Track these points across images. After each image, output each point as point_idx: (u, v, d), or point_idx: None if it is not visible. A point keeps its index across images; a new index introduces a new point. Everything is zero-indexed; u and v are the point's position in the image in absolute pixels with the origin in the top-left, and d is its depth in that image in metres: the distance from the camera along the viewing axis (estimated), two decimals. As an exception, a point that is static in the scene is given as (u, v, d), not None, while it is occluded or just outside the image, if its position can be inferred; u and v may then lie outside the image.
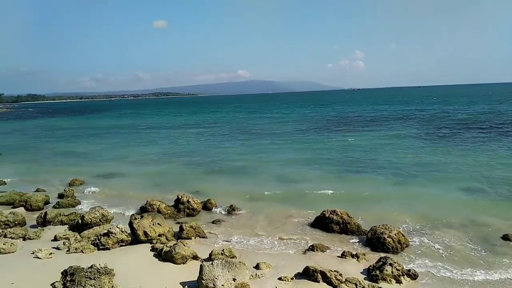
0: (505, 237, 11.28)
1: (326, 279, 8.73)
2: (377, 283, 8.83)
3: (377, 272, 9.10)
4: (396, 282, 8.87)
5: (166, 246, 10.23)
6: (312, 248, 10.84)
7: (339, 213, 12.49)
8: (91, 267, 7.84)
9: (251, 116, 74.18)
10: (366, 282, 8.73)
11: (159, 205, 14.50)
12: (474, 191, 16.08)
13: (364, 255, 10.40)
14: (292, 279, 8.93)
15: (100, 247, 10.64)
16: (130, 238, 11.16)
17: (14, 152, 34.08)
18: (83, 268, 7.82)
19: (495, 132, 33.15)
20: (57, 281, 7.76)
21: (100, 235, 10.97)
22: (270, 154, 27.52)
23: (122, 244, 10.93)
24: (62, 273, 7.76)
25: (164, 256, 9.95)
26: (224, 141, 36.59)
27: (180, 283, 8.47)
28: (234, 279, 8.02)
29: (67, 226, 12.91)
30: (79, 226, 12.42)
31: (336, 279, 8.67)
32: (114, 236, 10.82)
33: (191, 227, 12.11)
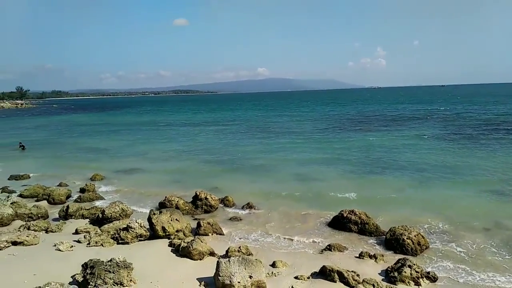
0: (531, 242, 10.91)
1: (343, 279, 8.64)
2: (395, 285, 8.68)
3: (396, 273, 8.94)
4: (415, 285, 8.70)
5: (184, 242, 10.33)
6: (329, 248, 10.74)
7: (357, 213, 12.33)
8: (110, 260, 7.99)
9: (270, 114, 74.06)
10: (384, 283, 8.59)
11: (177, 201, 14.64)
12: (499, 194, 15.57)
13: (382, 256, 10.24)
14: (308, 278, 8.88)
15: (120, 241, 10.84)
16: (148, 233, 11.32)
17: (38, 146, 35.10)
18: (102, 261, 7.97)
19: (522, 133, 32.08)
20: (77, 274, 7.94)
21: (120, 229, 11.17)
22: (288, 152, 27.41)
23: (140, 239, 11.10)
24: (82, 265, 7.93)
25: (182, 251, 10.05)
26: (243, 139, 36.65)
27: (197, 279, 8.53)
28: (250, 277, 8.02)
29: (88, 220, 13.21)
30: (99, 220, 12.69)
31: (353, 280, 8.57)
32: (133, 231, 10.99)
33: (208, 223, 12.19)
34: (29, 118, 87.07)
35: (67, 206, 13.73)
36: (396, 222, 11.97)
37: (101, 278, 7.49)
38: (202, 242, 10.22)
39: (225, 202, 15.30)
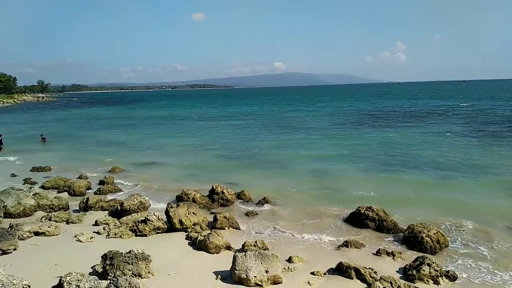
0: (556, 242, 10.58)
1: (360, 276, 8.56)
2: (414, 283, 8.54)
3: (414, 271, 8.80)
4: (434, 283, 8.55)
5: (201, 235, 10.42)
6: (346, 244, 10.65)
7: (375, 209, 12.18)
8: (129, 252, 8.12)
9: (286, 109, 73.77)
10: (402, 281, 8.46)
11: (194, 195, 14.76)
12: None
13: (400, 253, 10.09)
14: (325, 274, 8.83)
15: (138, 233, 11.00)
16: (166, 226, 11.45)
17: (58, 139, 35.91)
18: (121, 253, 8.11)
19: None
20: (97, 264, 8.10)
21: (138, 221, 11.33)
22: (305, 148, 27.27)
23: (158, 231, 11.24)
24: (102, 257, 8.09)
25: (198, 245, 10.14)
26: (259, 134, 36.63)
27: (214, 272, 8.59)
28: (266, 271, 8.04)
29: (107, 212, 13.45)
30: (118, 212, 12.91)
31: (371, 277, 8.48)
32: (151, 224, 11.14)
33: (224, 217, 12.24)
34: (50, 111, 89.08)
35: (87, 198, 14.00)
36: (415, 220, 11.77)
37: (120, 269, 7.63)
38: (218, 236, 10.28)
39: (241, 196, 15.33)
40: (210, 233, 10.33)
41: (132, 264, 7.86)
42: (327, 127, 40.11)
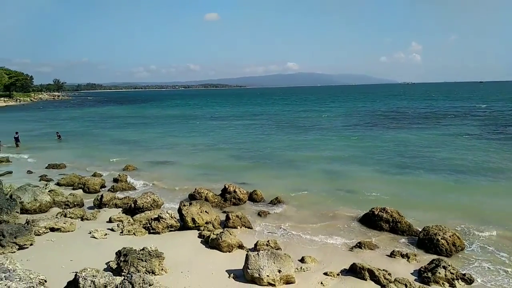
0: None
1: (374, 277, 8.46)
2: (429, 285, 8.41)
3: (429, 274, 8.66)
4: (450, 286, 8.39)
5: (213, 233, 10.43)
6: (359, 245, 10.54)
7: (389, 211, 12.03)
8: (143, 249, 8.18)
9: (298, 109, 73.55)
10: (417, 284, 8.34)
11: (206, 194, 14.80)
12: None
13: (415, 255, 9.94)
14: (338, 275, 8.75)
15: (151, 231, 11.08)
16: (178, 224, 11.51)
17: (73, 137, 36.48)
18: (135, 250, 8.17)
19: None
20: (111, 261, 8.18)
21: (151, 219, 11.42)
22: (318, 148, 27.13)
23: (171, 229, 11.31)
24: (116, 253, 8.17)
25: (211, 243, 10.15)
26: (272, 134, 36.59)
27: (226, 271, 8.60)
28: (279, 271, 8.00)
29: (121, 209, 13.58)
30: (131, 209, 13.02)
31: (385, 278, 8.37)
32: (164, 221, 11.21)
33: (237, 216, 12.24)
34: (65, 109, 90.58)
35: (101, 196, 14.16)
36: (430, 222, 11.54)
37: (134, 266, 7.69)
38: (231, 234, 10.27)
39: (253, 196, 15.30)
40: (222, 232, 10.33)
41: (145, 261, 7.92)
42: (341, 127, 39.82)
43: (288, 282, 8.10)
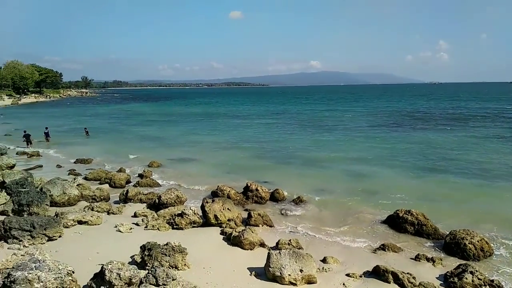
0: None
1: (397, 280, 8.30)
2: (455, 291, 8.19)
3: (456, 279, 8.43)
4: (477, 293, 8.16)
5: (235, 231, 10.49)
6: (383, 248, 10.37)
7: (414, 213, 11.78)
8: (166, 244, 8.31)
9: (321, 108, 72.94)
10: (443, 289, 8.15)
11: (229, 191, 14.90)
12: None
13: (441, 260, 9.71)
14: (360, 276, 8.64)
15: (174, 226, 11.25)
16: (201, 221, 11.63)
17: (100, 133, 37.42)
18: (159, 244, 8.32)
19: None
20: (136, 254, 8.36)
21: (175, 215, 11.59)
22: (341, 148, 26.83)
23: (194, 225, 11.44)
24: (141, 247, 8.34)
25: (233, 240, 10.22)
26: (294, 133, 36.43)
27: (248, 268, 8.63)
28: (301, 270, 7.97)
29: (145, 204, 13.85)
30: (156, 205, 13.26)
31: (409, 282, 8.20)
32: (187, 217, 11.36)
33: (259, 214, 12.27)
34: (92, 106, 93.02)
35: (127, 191, 14.48)
36: (456, 226, 11.24)
37: (158, 261, 7.83)
38: (253, 232, 10.30)
39: (275, 195, 15.29)
40: (244, 230, 10.38)
41: (169, 256, 8.05)
42: (364, 127, 39.22)
43: (309, 282, 8.06)
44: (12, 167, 18.60)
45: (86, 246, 9.49)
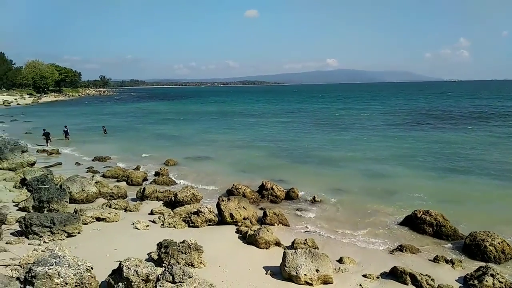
0: None
1: (415, 282, 8.16)
2: (475, 294, 8.00)
3: (476, 281, 8.23)
4: (498, 296, 7.94)
5: (251, 229, 10.49)
6: (400, 249, 10.20)
7: (433, 214, 11.55)
8: (183, 242, 8.37)
9: (337, 106, 72.33)
10: (462, 291, 7.97)
11: (244, 190, 14.91)
12: None
13: (460, 261, 9.49)
14: (377, 277, 8.53)
15: (190, 224, 11.33)
16: (217, 219, 11.69)
17: (118, 132, 37.97)
18: (175, 242, 8.38)
19: None
20: (153, 252, 8.44)
21: (191, 213, 11.67)
22: (357, 147, 26.54)
23: (209, 223, 11.50)
24: (157, 245, 8.41)
25: (248, 239, 10.22)
26: (310, 131, 36.24)
27: (263, 267, 8.62)
28: (317, 270, 7.92)
29: (162, 202, 13.98)
30: (172, 203, 13.38)
31: (428, 284, 8.05)
32: (203, 215, 11.42)
33: (274, 213, 12.25)
34: (110, 105, 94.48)
35: (144, 188, 14.65)
36: (476, 228, 10.94)
37: (174, 258, 7.89)
38: (268, 231, 10.29)
39: (290, 194, 15.22)
40: (260, 228, 10.37)
41: (185, 253, 8.10)
42: (381, 126, 38.70)
43: (326, 282, 7.99)
44: (32, 164, 19.08)
45: (104, 242, 9.64)
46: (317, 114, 55.73)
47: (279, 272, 8.29)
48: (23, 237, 9.43)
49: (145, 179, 17.67)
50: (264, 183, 15.13)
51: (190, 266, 7.99)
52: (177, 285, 6.30)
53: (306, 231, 11.83)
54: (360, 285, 8.15)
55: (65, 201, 12.22)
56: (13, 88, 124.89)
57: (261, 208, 13.63)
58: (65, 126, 32.57)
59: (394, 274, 8.53)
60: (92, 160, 22.73)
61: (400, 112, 55.70)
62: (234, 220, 11.67)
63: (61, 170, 19.35)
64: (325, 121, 45.30)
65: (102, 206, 12.71)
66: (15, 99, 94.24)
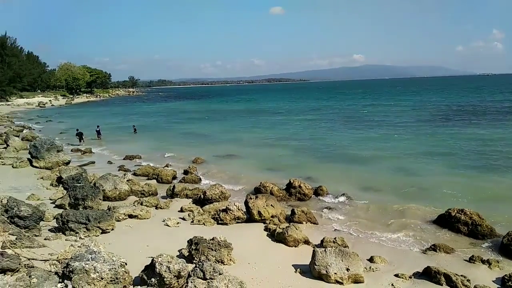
0: None
1: (450, 283, 7.92)
2: (514, 296, 7.68)
3: (515, 284, 7.91)
4: (540, 299, 7.60)
5: (279, 227, 10.49)
6: (433, 248, 9.92)
7: (468, 213, 11.17)
8: (212, 239, 8.48)
9: (365, 103, 71.07)
10: (500, 293, 7.67)
11: (272, 188, 14.89)
12: None
13: (498, 262, 9.12)
14: (410, 277, 8.33)
15: (219, 221, 11.46)
16: (245, 216, 11.75)
17: (147, 131, 38.83)
18: (205, 239, 8.49)
19: None
20: (183, 248, 8.59)
21: (219, 210, 11.79)
22: (386, 144, 26.01)
23: (238, 221, 11.59)
24: (188, 241, 8.56)
25: (277, 237, 10.22)
26: (337, 129, 35.81)
27: (292, 265, 8.60)
28: (347, 269, 7.83)
29: (191, 199, 14.19)
30: (201, 200, 13.56)
31: (463, 285, 7.80)
32: (231, 213, 11.52)
33: (302, 211, 12.18)
34: (139, 104, 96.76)
35: (174, 186, 14.91)
36: (513, 227, 10.56)
37: (205, 255, 8.00)
38: (297, 229, 10.25)
39: (318, 191, 15.10)
40: (288, 226, 10.35)
41: (215, 250, 8.20)
42: (411, 123, 37.70)
43: (356, 281, 7.88)
44: (67, 163, 19.81)
45: (136, 239, 9.88)
46: (344, 111, 54.95)
47: (308, 271, 8.25)
48: (60, 233, 9.80)
49: (174, 177, 17.96)
50: (292, 181, 15.07)
51: (220, 263, 8.08)
52: (208, 282, 6.38)
53: (335, 229, 11.71)
54: (392, 284, 7.99)
55: (99, 199, 12.60)
56: (48, 90, 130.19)
57: (289, 206, 13.60)
58: (97, 126, 33.62)
59: (428, 274, 8.31)
60: (123, 159, 23.34)
61: (430, 108, 54.10)
62: (262, 218, 11.70)
63: (94, 169, 19.99)
64: (352, 118, 44.59)
65: (133, 203, 13.05)
66: (50, 101, 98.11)
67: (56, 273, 6.33)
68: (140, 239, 9.87)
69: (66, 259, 6.98)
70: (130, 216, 11.52)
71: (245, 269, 8.26)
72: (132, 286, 6.67)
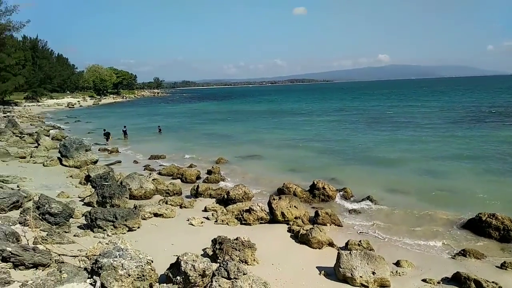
0: None
1: (481, 290, 7.66)
2: (550, 306, 7.35)
3: (551, 293, 7.56)
4: None
5: (303, 229, 10.42)
6: (463, 253, 9.61)
7: (499, 217, 10.77)
8: (236, 239, 8.50)
9: (390, 104, 69.70)
10: (535, 302, 7.35)
11: (295, 189, 14.81)
12: None
13: (532, 269, 8.76)
14: (438, 283, 8.10)
15: (243, 221, 11.48)
16: (268, 217, 11.73)
17: (171, 131, 39.41)
18: (229, 239, 8.53)
19: None
20: (207, 247, 8.66)
21: (243, 210, 11.82)
22: (413, 146, 25.41)
23: (261, 221, 11.58)
24: (212, 241, 8.62)
25: (301, 238, 10.16)
26: (361, 130, 35.28)
27: (317, 267, 8.52)
28: (373, 272, 7.69)
29: (214, 199, 14.30)
30: (224, 200, 13.64)
31: (495, 292, 7.52)
32: (255, 213, 11.53)
33: (326, 213, 12.06)
34: (164, 105, 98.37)
35: (197, 186, 15.07)
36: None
37: (229, 255, 8.04)
38: (321, 231, 10.16)
39: (343, 193, 14.93)
40: (312, 228, 10.27)
41: (239, 250, 8.22)
42: (439, 124, 36.69)
43: (382, 285, 7.73)
44: (95, 162, 20.35)
45: (161, 237, 10.03)
46: (369, 112, 54.07)
47: (333, 273, 8.15)
48: (89, 230, 10.07)
49: (198, 177, 18.15)
50: (316, 182, 14.95)
51: (243, 263, 8.09)
52: (232, 282, 6.40)
53: (360, 232, 11.53)
54: (420, 289, 7.80)
55: (126, 197, 12.86)
56: (76, 91, 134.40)
57: (312, 207, 13.50)
58: (124, 126, 34.41)
59: (457, 280, 8.06)
60: (149, 159, 23.78)
61: (459, 108, 52.52)
62: (286, 219, 11.65)
63: (121, 168, 20.45)
64: (377, 120, 43.82)
65: (159, 202, 13.24)
66: (78, 101, 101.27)
67: (85, 269, 6.50)
68: (165, 237, 10.02)
69: (95, 255, 7.16)
70: (156, 215, 11.70)
71: (269, 269, 8.24)
72: (158, 283, 6.77)
